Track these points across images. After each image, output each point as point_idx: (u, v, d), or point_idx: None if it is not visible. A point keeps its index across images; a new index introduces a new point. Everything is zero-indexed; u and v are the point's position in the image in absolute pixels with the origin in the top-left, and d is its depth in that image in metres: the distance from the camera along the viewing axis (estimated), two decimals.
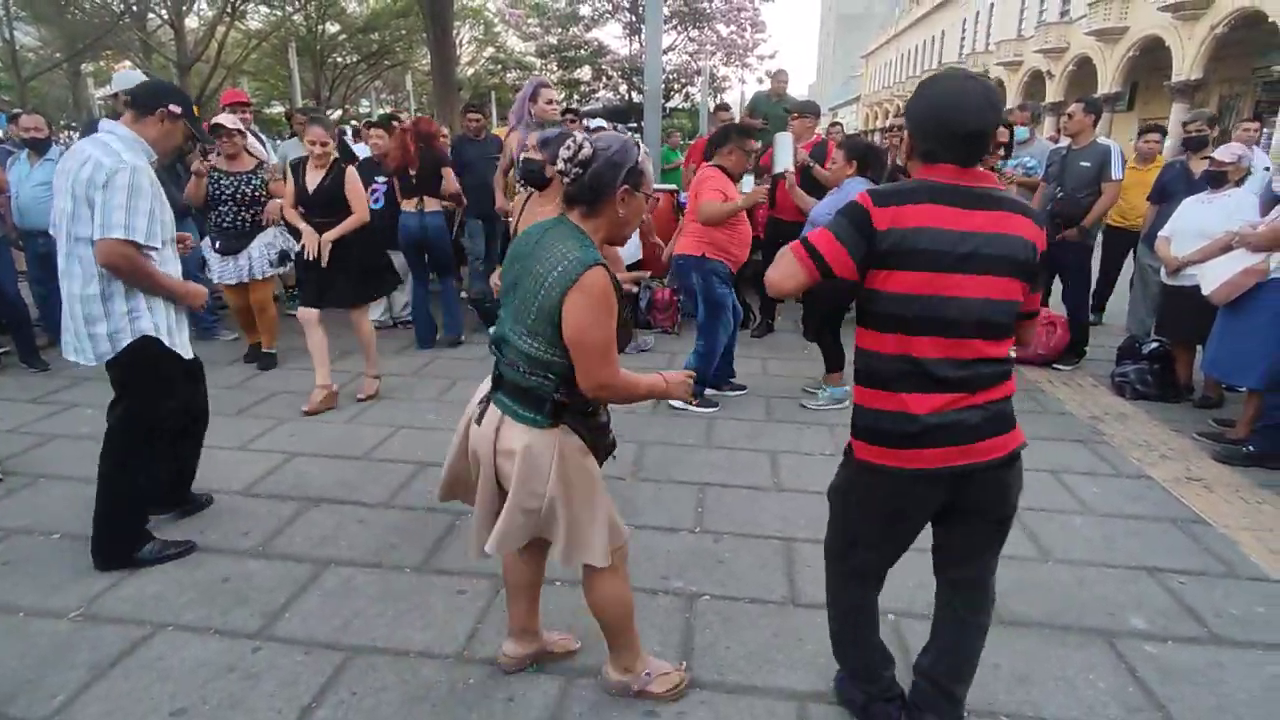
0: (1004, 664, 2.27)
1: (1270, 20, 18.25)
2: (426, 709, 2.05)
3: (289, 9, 22.60)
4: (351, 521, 3.05)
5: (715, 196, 4.08)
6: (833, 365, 4.46)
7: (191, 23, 20.34)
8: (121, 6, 18.44)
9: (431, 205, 5.12)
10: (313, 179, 4.20)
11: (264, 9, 22.66)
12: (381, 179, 5.52)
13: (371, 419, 4.18)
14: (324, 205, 4.19)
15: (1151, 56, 23.72)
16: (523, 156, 3.04)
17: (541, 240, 1.73)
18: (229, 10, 19.07)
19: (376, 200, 5.49)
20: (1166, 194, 5.13)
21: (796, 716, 2.08)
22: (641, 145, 1.78)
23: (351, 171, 4.25)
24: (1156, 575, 2.77)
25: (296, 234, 4.28)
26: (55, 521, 2.99)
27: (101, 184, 2.40)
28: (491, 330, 1.88)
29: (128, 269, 2.48)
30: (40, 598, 2.50)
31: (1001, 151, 5.30)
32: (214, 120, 4.69)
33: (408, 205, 5.13)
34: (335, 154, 4.28)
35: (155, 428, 2.75)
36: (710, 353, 4.35)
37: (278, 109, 26.39)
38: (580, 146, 1.67)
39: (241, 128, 4.80)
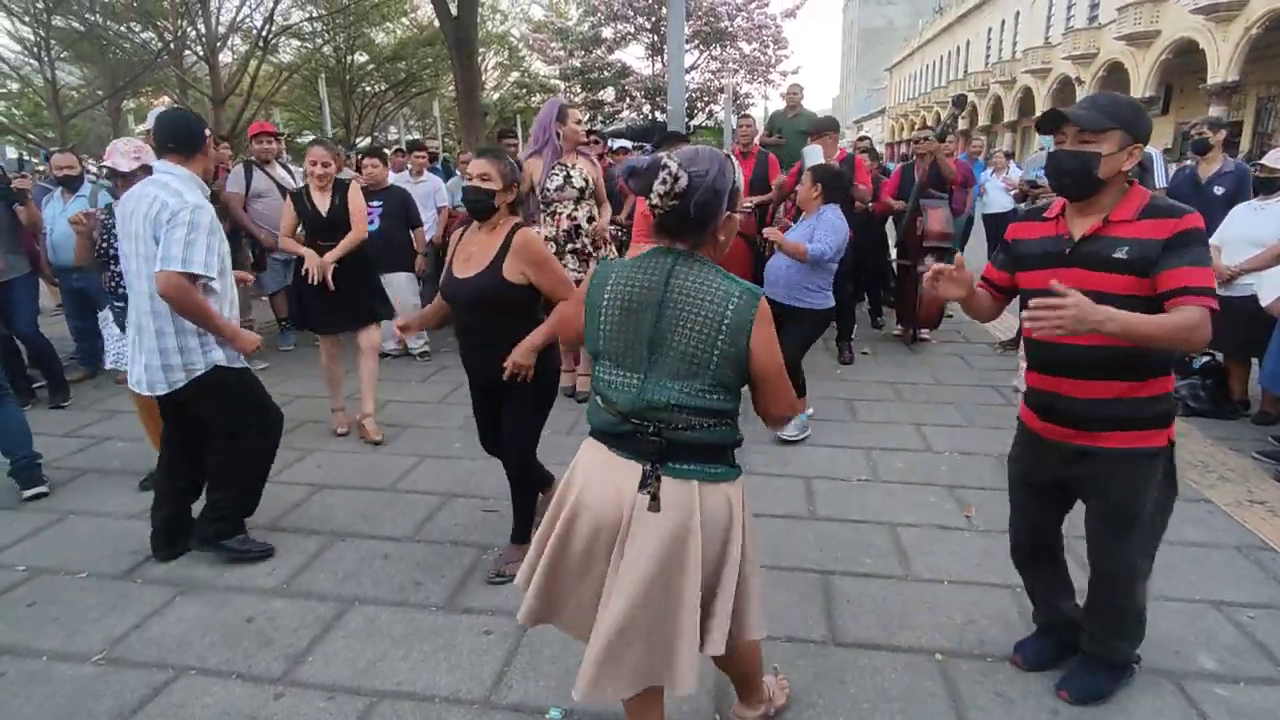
0: (1063, 709, 2.12)
1: None
2: None
3: (319, 41, 23.13)
4: (376, 557, 2.99)
5: None
6: (801, 392, 4.29)
7: (225, 58, 20.91)
8: (160, 44, 19.04)
9: None
10: (323, 202, 4.07)
11: (295, 42, 23.24)
12: (377, 203, 5.41)
13: (397, 449, 4.14)
14: (339, 227, 4.07)
15: (1186, 59, 23.21)
16: (467, 185, 2.67)
17: (673, 284, 1.55)
18: (261, 45, 19.55)
19: (372, 222, 5.27)
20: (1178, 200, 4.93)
21: None
22: (732, 157, 1.61)
23: (354, 186, 4.16)
24: (1223, 609, 2.59)
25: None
26: (83, 560, 2.97)
27: (166, 220, 2.61)
28: (614, 403, 1.62)
29: (180, 300, 2.62)
30: (64, 640, 2.47)
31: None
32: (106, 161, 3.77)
33: None
34: (335, 175, 4.18)
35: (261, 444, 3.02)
36: None
37: (309, 138, 26.98)
38: (677, 178, 1.49)
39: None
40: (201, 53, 19.12)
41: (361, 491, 3.59)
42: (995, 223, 7.75)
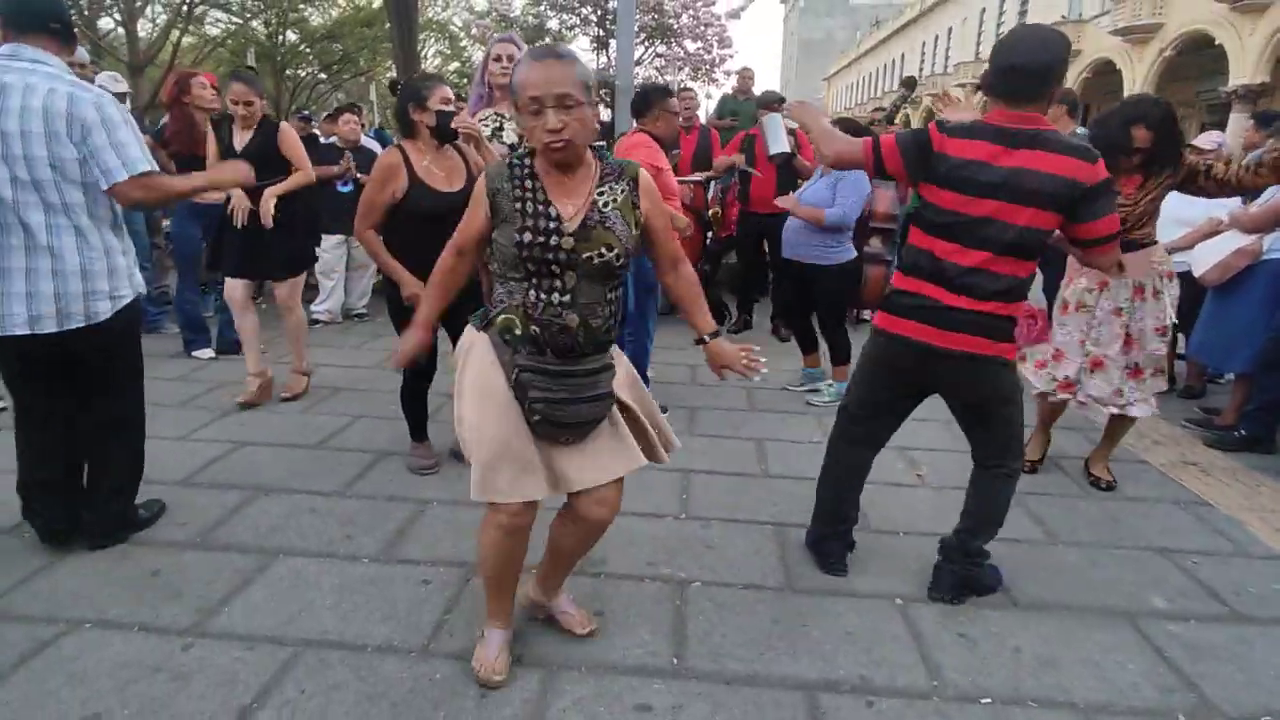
0: (1025, 647, 2.09)
1: (1217, 44, 18.91)
2: (385, 707, 1.79)
3: (247, 15, 22.10)
4: (303, 511, 2.76)
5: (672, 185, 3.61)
6: (843, 358, 4.17)
7: (145, 27, 19.76)
8: (74, 9, 17.86)
9: None
10: (240, 139, 3.74)
11: (222, 16, 22.13)
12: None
13: (329, 409, 3.88)
14: (258, 167, 3.78)
15: (1104, 79, 24.48)
16: (445, 109, 2.86)
17: None
18: (182, 14, 18.56)
19: (346, 185, 5.53)
20: None
21: (806, 706, 1.85)
22: None
23: (286, 128, 3.84)
24: (1169, 555, 2.63)
25: None
26: None
27: (96, 121, 2.10)
28: None
29: (160, 197, 2.35)
30: None
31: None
32: None
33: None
34: (262, 113, 3.81)
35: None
36: (645, 344, 3.90)
37: None
38: None
39: None
40: (119, 18, 18.03)
41: (288, 449, 3.34)
42: None
